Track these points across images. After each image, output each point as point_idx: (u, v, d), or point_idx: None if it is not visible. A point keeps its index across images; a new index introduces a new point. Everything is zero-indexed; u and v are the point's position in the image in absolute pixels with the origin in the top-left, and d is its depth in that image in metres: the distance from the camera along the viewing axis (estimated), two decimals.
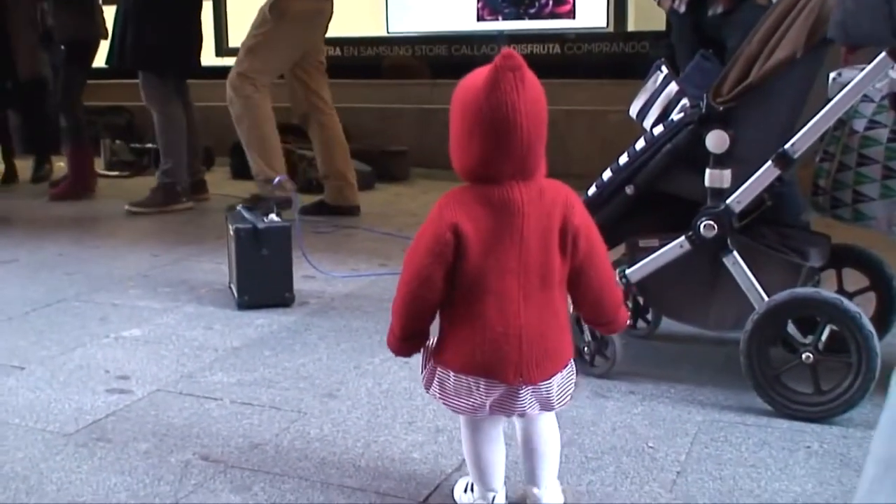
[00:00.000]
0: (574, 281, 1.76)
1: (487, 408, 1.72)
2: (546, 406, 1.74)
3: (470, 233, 1.67)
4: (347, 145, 5.07)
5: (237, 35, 7.70)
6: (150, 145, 6.41)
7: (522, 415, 1.76)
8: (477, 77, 1.68)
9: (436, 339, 1.79)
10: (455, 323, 1.72)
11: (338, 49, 7.16)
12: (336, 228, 4.63)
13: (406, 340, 1.79)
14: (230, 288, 3.50)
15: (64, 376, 2.71)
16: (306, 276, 3.65)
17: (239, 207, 3.69)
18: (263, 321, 3.20)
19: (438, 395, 1.77)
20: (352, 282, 3.66)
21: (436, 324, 1.77)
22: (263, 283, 3.34)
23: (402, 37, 7.20)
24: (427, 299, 1.72)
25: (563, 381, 1.76)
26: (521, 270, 1.70)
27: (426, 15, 7.11)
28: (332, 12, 4.94)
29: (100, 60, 5.76)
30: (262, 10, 4.80)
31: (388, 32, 7.19)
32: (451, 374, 1.73)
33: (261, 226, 3.33)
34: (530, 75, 1.65)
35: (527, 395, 1.71)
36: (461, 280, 1.69)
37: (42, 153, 6.44)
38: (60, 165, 6.27)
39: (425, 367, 1.80)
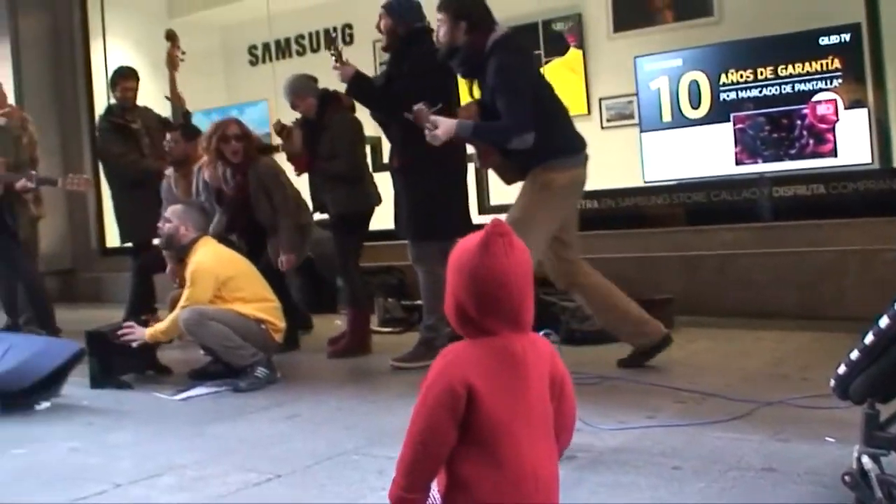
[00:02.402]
0: (556, 424, 1.97)
1: None
2: None
3: (481, 387, 1.82)
4: (615, 288, 4.94)
5: (499, 193, 8.01)
6: (418, 302, 6.68)
7: None
8: (471, 241, 1.90)
9: (443, 485, 1.88)
10: (469, 467, 1.83)
11: (595, 201, 7.28)
12: (601, 379, 4.62)
13: (413, 493, 1.86)
14: None
15: None
16: None
17: None
18: None
19: None
20: (620, 434, 3.62)
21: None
22: None
23: (658, 185, 7.23)
24: (438, 451, 1.83)
25: None
26: (528, 415, 1.85)
27: (682, 162, 7.13)
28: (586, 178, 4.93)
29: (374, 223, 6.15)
30: (526, 183, 4.77)
31: (644, 182, 7.25)
32: None
33: None
34: (517, 240, 1.89)
35: None
36: (475, 430, 1.82)
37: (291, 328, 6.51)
38: (337, 323, 6.63)
39: None
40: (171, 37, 7.39)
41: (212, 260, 5.25)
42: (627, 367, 4.82)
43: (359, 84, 5.44)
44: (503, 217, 4.59)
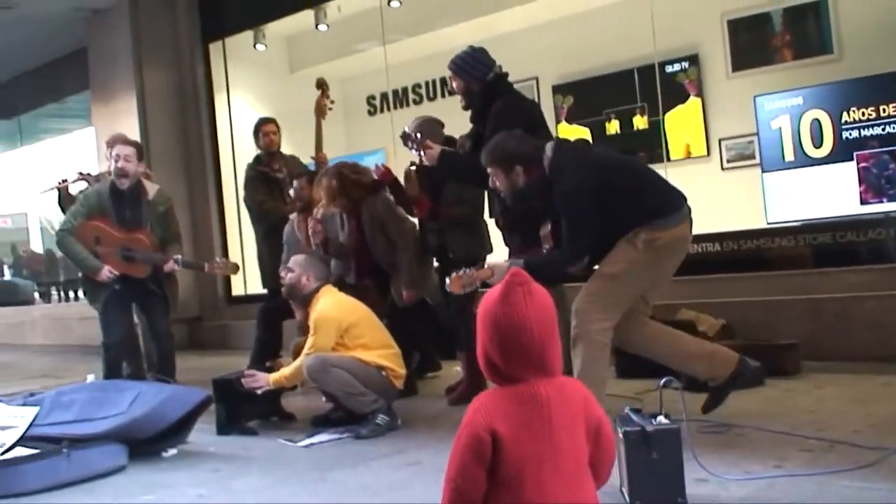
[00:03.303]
0: (593, 462, 2.10)
1: None
2: None
3: (505, 432, 1.94)
4: (674, 332, 4.79)
5: None
6: None
7: None
8: (493, 293, 2.03)
9: None
10: None
11: (717, 244, 7.17)
12: (726, 428, 4.52)
13: None
14: (621, 492, 3.49)
15: None
16: (698, 479, 3.55)
17: (627, 409, 3.72)
18: None
19: None
20: (746, 485, 3.53)
21: None
22: (655, 487, 3.32)
23: (782, 227, 7.09)
24: (471, 495, 1.95)
25: None
26: (554, 457, 1.94)
27: (806, 203, 6.98)
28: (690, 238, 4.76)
29: None
30: (624, 240, 4.54)
31: (767, 223, 7.12)
32: None
33: (650, 428, 3.34)
34: (537, 287, 2.00)
35: None
36: (500, 471, 1.93)
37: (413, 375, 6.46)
38: (456, 370, 6.64)
39: None
40: (321, 85, 7.58)
41: (334, 308, 5.35)
42: (710, 411, 4.66)
43: (447, 163, 5.40)
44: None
